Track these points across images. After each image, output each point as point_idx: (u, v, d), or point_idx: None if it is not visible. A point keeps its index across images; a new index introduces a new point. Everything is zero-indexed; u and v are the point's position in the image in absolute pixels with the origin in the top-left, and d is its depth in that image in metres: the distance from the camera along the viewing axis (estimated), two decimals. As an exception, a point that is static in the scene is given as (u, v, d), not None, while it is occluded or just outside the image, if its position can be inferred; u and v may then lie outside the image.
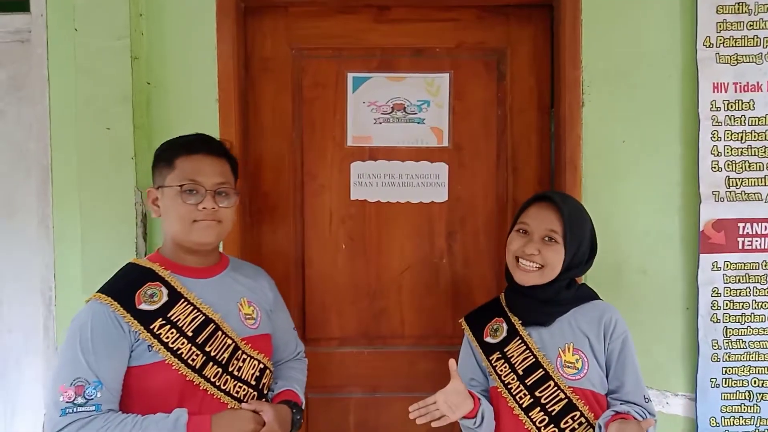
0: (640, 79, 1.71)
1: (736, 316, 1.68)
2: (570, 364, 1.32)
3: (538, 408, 1.31)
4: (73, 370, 1.17)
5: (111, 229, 1.66)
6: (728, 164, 1.67)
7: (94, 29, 1.65)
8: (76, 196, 1.68)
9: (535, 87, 1.82)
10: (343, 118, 1.82)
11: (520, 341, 1.37)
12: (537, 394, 1.32)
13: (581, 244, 1.37)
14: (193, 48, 1.71)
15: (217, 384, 1.26)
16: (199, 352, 1.25)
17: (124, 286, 1.27)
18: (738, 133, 1.67)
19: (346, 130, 1.83)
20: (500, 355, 1.38)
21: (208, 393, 1.25)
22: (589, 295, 1.43)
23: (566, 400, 1.30)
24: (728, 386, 1.68)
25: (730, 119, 1.67)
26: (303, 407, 1.44)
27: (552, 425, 1.30)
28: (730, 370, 1.68)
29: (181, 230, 1.28)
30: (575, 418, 1.30)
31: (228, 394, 1.27)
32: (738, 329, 1.68)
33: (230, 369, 1.28)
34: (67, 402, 1.15)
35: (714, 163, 1.67)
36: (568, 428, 1.30)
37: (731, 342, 1.68)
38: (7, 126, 1.80)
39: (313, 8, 1.79)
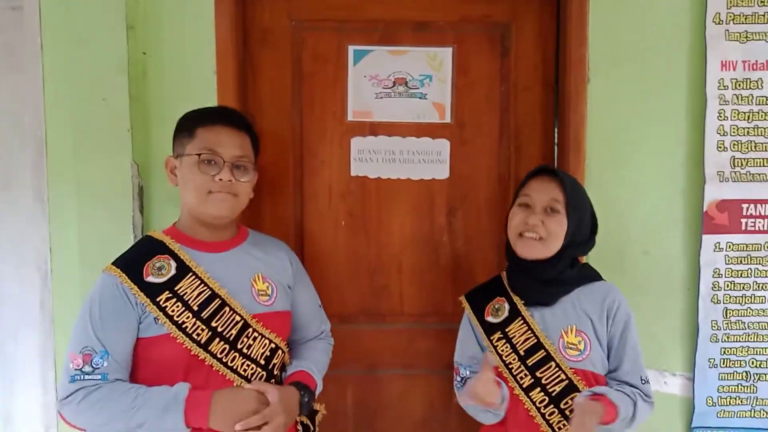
0: (647, 57, 1.67)
1: (736, 297, 1.67)
2: (572, 346, 1.32)
3: (539, 388, 1.31)
4: (83, 338, 1.21)
5: (107, 202, 1.64)
6: (734, 144, 1.65)
7: (89, -3, 1.60)
8: (72, 168, 1.65)
9: (540, 64, 1.79)
10: (343, 92, 1.79)
11: (521, 321, 1.36)
12: (538, 374, 1.32)
13: (582, 218, 1.36)
14: (190, 18, 1.67)
15: (224, 360, 1.24)
16: (204, 327, 1.24)
17: (134, 258, 1.28)
18: (745, 113, 1.65)
19: (347, 105, 1.80)
20: (501, 335, 1.37)
21: (214, 369, 1.24)
22: (592, 276, 1.42)
23: (567, 381, 1.30)
24: (726, 366, 1.68)
25: (738, 98, 1.64)
26: (316, 389, 1.40)
27: (552, 405, 1.30)
28: (728, 351, 1.68)
29: (196, 201, 1.27)
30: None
31: (235, 371, 1.25)
32: (738, 310, 1.68)
33: (239, 346, 1.26)
34: (75, 369, 1.19)
35: (720, 143, 1.65)
36: (568, 409, 1.30)
37: (731, 323, 1.68)
38: (1, 97, 1.76)
39: (314, -22, 1.74)
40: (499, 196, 1.82)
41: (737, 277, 1.67)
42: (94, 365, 1.19)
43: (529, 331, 1.34)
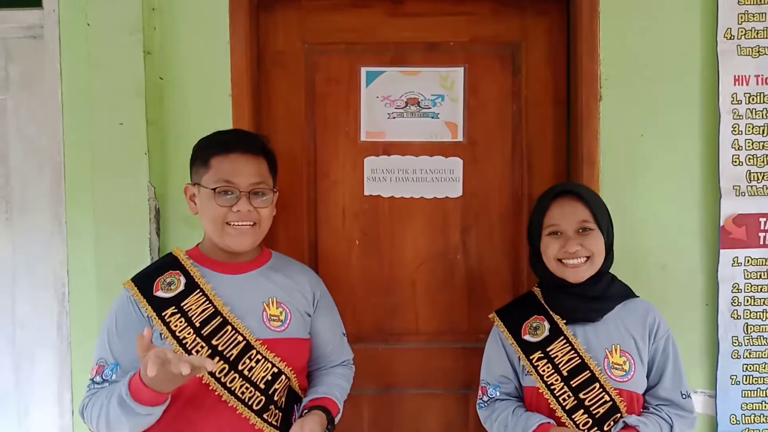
0: (659, 72, 1.68)
1: (757, 312, 1.65)
2: (618, 366, 1.29)
3: (582, 410, 1.28)
4: (100, 350, 1.25)
5: (124, 225, 1.66)
6: (749, 158, 1.64)
7: (107, 24, 1.64)
8: (89, 191, 1.67)
9: (551, 81, 1.80)
10: (356, 113, 1.81)
11: (564, 341, 1.33)
12: (581, 396, 1.29)
13: (609, 228, 1.37)
14: (205, 43, 1.70)
15: (222, 381, 1.22)
16: (204, 344, 1.23)
17: (149, 273, 1.31)
18: (759, 127, 1.64)
19: (360, 125, 1.81)
20: (542, 355, 1.34)
21: (211, 388, 1.21)
22: (629, 292, 1.41)
23: (611, 403, 1.28)
24: (749, 383, 1.65)
25: (752, 112, 1.64)
26: (337, 415, 1.34)
27: (595, 427, 1.28)
28: (750, 367, 1.65)
29: (215, 232, 1.27)
30: (617, 420, 1.28)
31: (233, 393, 1.22)
32: (759, 326, 1.65)
33: (240, 368, 1.23)
34: (90, 379, 1.24)
35: (735, 157, 1.64)
36: (609, 430, 1.28)
37: (752, 339, 1.65)
38: (20, 122, 1.80)
39: (326, 2, 1.77)
40: (513, 213, 1.81)
41: (757, 292, 1.65)
42: (104, 377, 1.21)
43: (573, 351, 1.31)
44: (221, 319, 1.24)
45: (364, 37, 1.79)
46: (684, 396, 1.33)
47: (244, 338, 1.25)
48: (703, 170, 1.68)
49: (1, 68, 1.79)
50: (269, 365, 1.26)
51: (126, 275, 1.63)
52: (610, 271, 1.40)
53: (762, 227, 1.65)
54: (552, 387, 1.31)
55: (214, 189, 1.25)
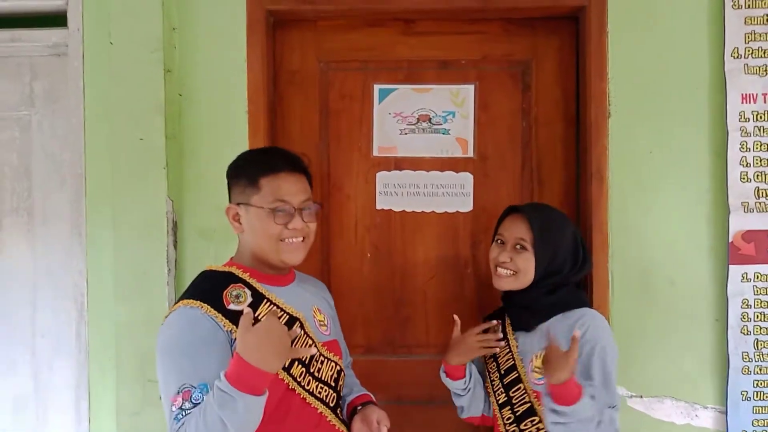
0: (668, 90, 1.71)
1: (767, 328, 1.66)
2: (538, 370, 1.36)
3: (509, 407, 1.42)
4: (177, 378, 1.15)
5: (142, 237, 1.70)
6: (757, 175, 1.66)
7: (129, 42, 1.70)
8: (109, 204, 1.72)
9: (561, 98, 1.83)
10: (369, 129, 1.85)
11: (506, 343, 1.46)
12: (511, 393, 1.42)
13: (557, 251, 1.40)
14: (223, 60, 1.75)
15: (302, 384, 1.25)
16: None
17: (209, 289, 1.25)
18: (767, 144, 1.66)
19: (372, 141, 1.85)
20: (492, 355, 1.49)
21: (296, 392, 1.24)
22: (575, 303, 1.43)
23: (529, 404, 1.38)
24: (760, 399, 1.65)
25: (760, 130, 1.66)
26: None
27: (515, 424, 1.40)
28: (761, 383, 1.66)
29: (270, 248, 1.27)
30: (534, 422, 1.37)
31: (312, 394, 1.26)
32: (769, 342, 1.66)
33: (311, 370, 1.27)
34: (177, 409, 1.13)
35: (743, 173, 1.66)
36: (527, 430, 1.37)
37: (762, 354, 1.66)
38: (43, 137, 1.85)
39: (341, 22, 1.82)
40: (523, 228, 1.84)
41: (767, 307, 1.66)
42: (194, 401, 1.12)
43: (509, 353, 1.45)
44: (299, 324, 1.25)
45: (378, 55, 1.84)
46: (610, 406, 1.32)
47: (313, 341, 1.28)
48: (712, 186, 1.70)
49: (26, 85, 1.85)
50: (333, 364, 1.32)
51: (143, 286, 1.69)
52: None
53: (771, 243, 1.66)
54: (493, 382, 1.47)
55: (272, 209, 1.26)
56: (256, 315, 1.21)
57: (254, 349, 1.09)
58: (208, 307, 1.21)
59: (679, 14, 1.70)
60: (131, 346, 1.69)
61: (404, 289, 1.86)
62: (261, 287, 1.28)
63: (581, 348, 1.32)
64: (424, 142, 1.84)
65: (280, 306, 1.27)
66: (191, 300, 1.22)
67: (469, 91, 1.83)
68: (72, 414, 1.81)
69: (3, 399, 1.85)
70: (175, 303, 1.26)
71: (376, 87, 1.84)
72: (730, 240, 1.66)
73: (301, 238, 1.30)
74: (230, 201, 1.32)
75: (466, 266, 1.85)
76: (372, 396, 1.45)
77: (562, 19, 1.81)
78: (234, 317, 1.19)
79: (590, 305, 1.47)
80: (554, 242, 1.41)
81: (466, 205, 1.84)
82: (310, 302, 1.37)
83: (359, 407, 1.38)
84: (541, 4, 1.75)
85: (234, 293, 1.25)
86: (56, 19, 1.80)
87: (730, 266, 1.66)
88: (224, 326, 1.20)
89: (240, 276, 1.28)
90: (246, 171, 1.31)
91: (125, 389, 1.69)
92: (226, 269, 1.30)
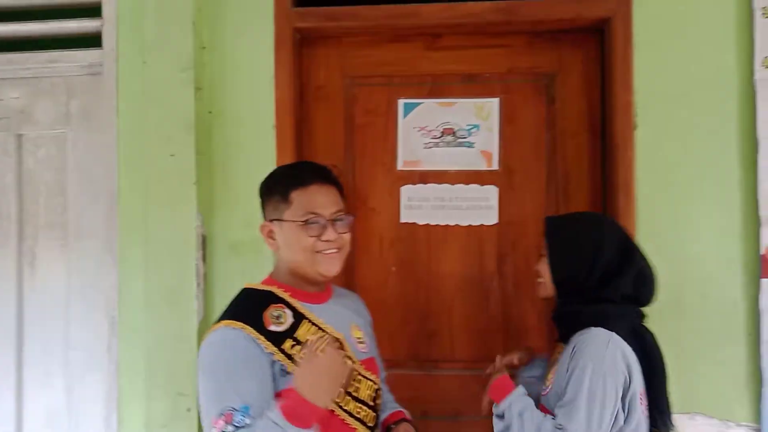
0: (695, 102, 1.69)
1: (802, 343, 1.62)
2: (548, 381, 1.38)
3: None
4: (219, 400, 1.14)
5: (173, 252, 1.73)
6: (790, 187, 1.63)
7: (161, 62, 1.74)
8: (140, 220, 1.76)
9: (586, 110, 1.83)
10: (393, 143, 1.87)
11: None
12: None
13: (567, 256, 1.36)
14: (251, 78, 1.79)
15: (341, 404, 1.24)
16: None
17: (249, 310, 1.25)
18: (799, 155, 1.63)
19: (397, 155, 1.87)
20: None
21: (335, 413, 1.22)
22: (588, 320, 1.33)
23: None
24: (796, 417, 1.61)
25: (791, 141, 1.63)
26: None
27: None
28: (798, 401, 1.61)
29: (306, 261, 1.27)
30: None
31: (351, 415, 1.25)
32: (805, 357, 1.61)
33: (350, 390, 1.26)
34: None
35: (774, 185, 1.63)
36: None
37: (798, 370, 1.61)
38: (78, 153, 1.90)
39: (366, 38, 1.85)
40: (549, 241, 1.83)
41: (802, 322, 1.62)
42: (236, 423, 1.11)
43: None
44: (339, 345, 1.25)
45: (402, 70, 1.86)
46: (558, 427, 1.25)
47: (352, 361, 1.27)
48: (742, 199, 1.67)
49: (62, 104, 1.91)
50: (370, 383, 1.31)
51: (173, 301, 1.72)
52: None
53: (805, 256, 1.62)
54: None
55: (304, 221, 1.26)
56: (295, 336, 1.22)
57: (313, 386, 1.11)
58: (250, 328, 1.20)
59: (705, 24, 1.69)
60: (161, 359, 1.71)
61: (429, 302, 1.86)
62: (300, 306, 1.28)
63: (570, 366, 1.29)
64: (449, 155, 1.85)
65: (320, 326, 1.27)
66: (233, 321, 1.22)
67: (494, 104, 1.84)
68: (102, 427, 1.84)
69: (36, 411, 1.89)
70: (217, 321, 1.26)
71: (401, 101, 1.86)
72: (762, 252, 1.63)
73: (336, 249, 1.30)
74: (264, 219, 1.32)
75: (491, 279, 1.85)
76: (405, 412, 1.43)
77: (586, 31, 1.81)
78: (275, 339, 1.21)
79: (606, 324, 1.32)
80: (564, 248, 1.37)
81: (491, 218, 1.84)
82: (347, 319, 1.37)
83: (393, 426, 1.37)
84: (566, 17, 1.75)
85: (275, 314, 1.25)
86: (91, 40, 1.86)
87: (762, 279, 1.63)
88: (265, 348, 1.20)
89: (280, 296, 1.28)
90: (277, 187, 1.31)
91: (155, 402, 1.72)
92: (266, 288, 1.30)
